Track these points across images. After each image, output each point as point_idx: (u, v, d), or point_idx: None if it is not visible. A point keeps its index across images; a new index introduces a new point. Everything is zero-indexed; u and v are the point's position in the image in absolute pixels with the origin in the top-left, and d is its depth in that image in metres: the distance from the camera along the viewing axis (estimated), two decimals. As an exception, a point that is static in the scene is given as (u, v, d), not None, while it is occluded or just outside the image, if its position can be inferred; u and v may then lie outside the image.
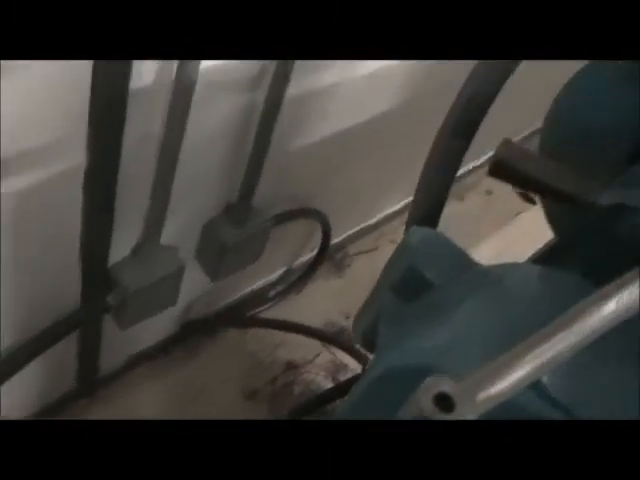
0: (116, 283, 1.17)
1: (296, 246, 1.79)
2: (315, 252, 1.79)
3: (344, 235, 1.92)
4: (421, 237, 0.62)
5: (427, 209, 0.72)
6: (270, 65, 1.07)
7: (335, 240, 1.83)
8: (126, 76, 0.86)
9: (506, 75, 0.65)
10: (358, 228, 1.96)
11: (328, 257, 1.86)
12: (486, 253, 2.17)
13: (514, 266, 0.60)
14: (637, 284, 0.45)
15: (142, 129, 0.98)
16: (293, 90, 1.14)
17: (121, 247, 1.16)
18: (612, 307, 0.44)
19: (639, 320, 0.42)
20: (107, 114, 0.90)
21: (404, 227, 0.76)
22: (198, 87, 0.96)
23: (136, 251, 1.19)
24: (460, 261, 0.60)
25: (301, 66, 1.10)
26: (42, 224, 0.99)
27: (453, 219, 1.55)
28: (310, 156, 1.42)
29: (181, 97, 0.96)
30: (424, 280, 0.59)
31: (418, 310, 0.58)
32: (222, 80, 1.05)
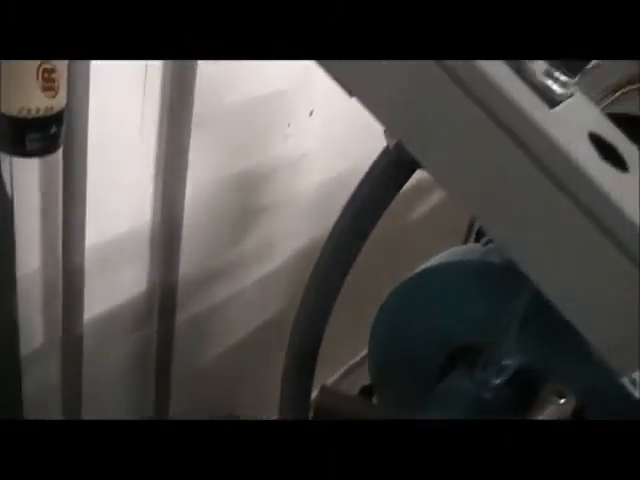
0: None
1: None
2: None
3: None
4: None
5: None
6: (154, 302, 1.18)
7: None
8: (15, 343, 0.95)
9: (325, 323, 0.72)
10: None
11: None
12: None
13: None
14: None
15: (41, 384, 1.06)
16: (184, 314, 1.24)
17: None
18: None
19: None
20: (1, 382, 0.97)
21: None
22: (88, 337, 1.05)
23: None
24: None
25: (185, 294, 1.22)
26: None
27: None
28: (218, 366, 1.50)
29: (71, 350, 1.05)
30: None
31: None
32: (112, 325, 1.14)
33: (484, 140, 0.47)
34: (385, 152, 0.55)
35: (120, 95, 0.92)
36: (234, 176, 1.18)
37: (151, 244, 1.11)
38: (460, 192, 0.50)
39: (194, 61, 0.96)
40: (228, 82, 1.06)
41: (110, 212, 1.01)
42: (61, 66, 0.74)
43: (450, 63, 0.46)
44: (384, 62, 0.48)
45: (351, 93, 0.50)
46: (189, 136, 1.01)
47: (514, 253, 0.49)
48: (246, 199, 1.24)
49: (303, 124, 1.25)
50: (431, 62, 0.46)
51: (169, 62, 0.95)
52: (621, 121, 0.53)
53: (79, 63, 0.80)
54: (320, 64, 0.50)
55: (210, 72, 0.99)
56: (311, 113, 1.26)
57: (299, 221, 1.43)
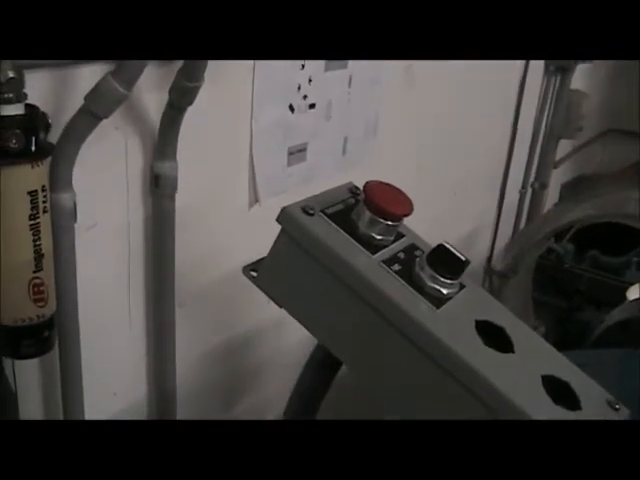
0: None
1: None
2: None
3: None
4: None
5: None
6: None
7: None
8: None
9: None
10: None
11: None
12: None
13: None
14: None
15: None
16: None
17: None
18: None
19: None
20: None
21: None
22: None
23: None
24: None
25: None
26: None
27: None
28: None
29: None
30: None
31: None
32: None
33: (385, 343, 0.58)
34: (317, 348, 0.66)
35: (107, 287, 1.05)
36: (222, 343, 1.28)
37: (149, 418, 1.20)
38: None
39: (172, 248, 1.08)
40: (205, 262, 1.19)
41: (107, 394, 1.11)
42: (49, 278, 0.86)
43: (356, 286, 0.58)
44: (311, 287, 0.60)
45: (280, 306, 0.62)
46: (173, 315, 1.13)
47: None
48: (235, 363, 1.34)
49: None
50: (343, 287, 0.58)
51: (150, 250, 1.08)
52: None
53: (66, 271, 0.93)
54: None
55: (187, 254, 1.12)
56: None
57: (286, 378, 1.51)
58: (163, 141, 1.01)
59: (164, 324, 1.13)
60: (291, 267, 0.62)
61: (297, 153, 1.31)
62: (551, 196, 2.37)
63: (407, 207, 0.62)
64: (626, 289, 1.35)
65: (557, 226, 1.39)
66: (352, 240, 0.60)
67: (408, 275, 0.60)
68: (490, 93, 1.90)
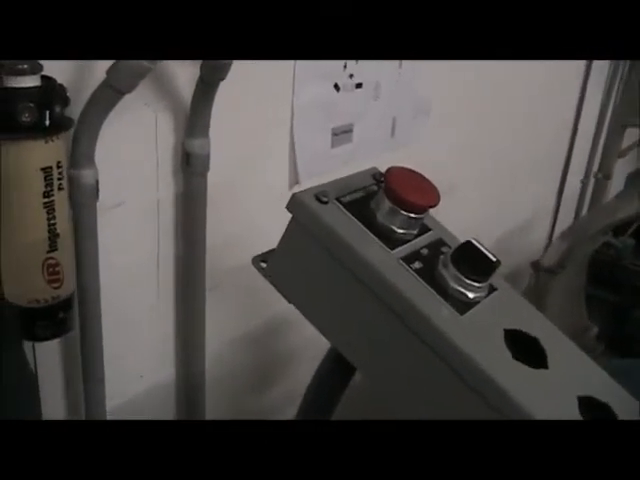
0: None
1: None
2: None
3: None
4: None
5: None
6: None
7: None
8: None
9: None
10: None
11: None
12: None
13: None
14: None
15: None
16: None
17: None
18: None
19: None
20: None
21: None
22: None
23: None
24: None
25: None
26: None
27: None
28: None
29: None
30: None
31: None
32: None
33: (402, 349, 0.51)
34: (330, 351, 0.60)
35: (135, 268, 1.00)
36: (253, 329, 1.23)
37: (177, 403, 1.16)
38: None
39: (203, 229, 1.03)
40: (239, 244, 1.14)
41: (134, 376, 1.07)
42: (65, 258, 0.82)
43: (370, 284, 0.51)
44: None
45: (290, 301, 0.56)
46: (204, 299, 1.08)
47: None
48: (265, 349, 1.29)
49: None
50: (356, 284, 0.51)
51: (180, 230, 1.03)
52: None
53: (87, 251, 0.88)
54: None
55: (220, 235, 1.06)
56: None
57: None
58: (195, 117, 0.96)
59: (194, 308, 1.08)
60: (301, 260, 0.55)
61: (342, 134, 1.24)
62: (615, 187, 2.25)
63: (431, 198, 0.55)
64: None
65: (614, 220, 1.29)
66: (369, 232, 0.53)
67: (430, 275, 0.53)
68: (553, 74, 1.79)
